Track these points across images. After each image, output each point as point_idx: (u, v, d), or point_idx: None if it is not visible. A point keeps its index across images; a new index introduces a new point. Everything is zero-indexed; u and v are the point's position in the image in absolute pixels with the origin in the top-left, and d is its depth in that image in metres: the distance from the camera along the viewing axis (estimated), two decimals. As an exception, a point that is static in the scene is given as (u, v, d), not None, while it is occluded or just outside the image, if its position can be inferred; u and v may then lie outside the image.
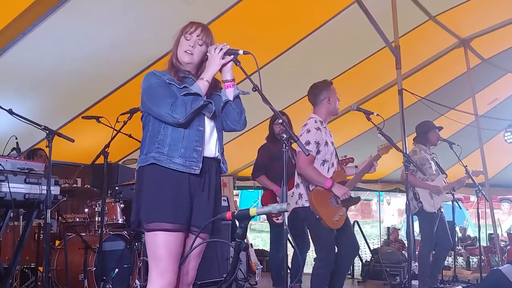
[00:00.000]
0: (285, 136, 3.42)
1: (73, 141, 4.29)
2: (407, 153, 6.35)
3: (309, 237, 6.60)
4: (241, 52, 3.39)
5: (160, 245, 2.96)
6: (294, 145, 5.55)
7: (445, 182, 6.96)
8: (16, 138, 4.66)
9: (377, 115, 4.92)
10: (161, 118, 3.04)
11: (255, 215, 1.96)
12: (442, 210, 6.90)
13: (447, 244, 6.96)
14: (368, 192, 15.41)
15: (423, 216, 6.81)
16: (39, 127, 4.23)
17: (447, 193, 6.97)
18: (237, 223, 2.48)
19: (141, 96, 3.14)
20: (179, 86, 3.14)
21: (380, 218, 16.04)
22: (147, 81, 3.15)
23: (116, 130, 5.26)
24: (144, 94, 3.12)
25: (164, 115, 3.01)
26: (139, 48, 5.91)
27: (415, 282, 6.88)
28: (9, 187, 3.78)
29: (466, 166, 7.33)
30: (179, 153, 3.04)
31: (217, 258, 6.83)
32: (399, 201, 20.25)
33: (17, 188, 3.92)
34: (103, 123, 5.54)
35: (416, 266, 7.36)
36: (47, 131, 4.16)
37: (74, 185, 7.70)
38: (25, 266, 5.91)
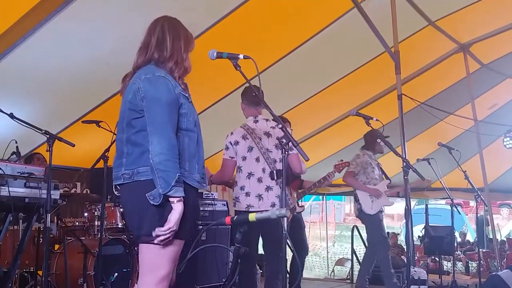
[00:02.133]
0: (284, 141, 3.43)
1: (73, 145, 4.31)
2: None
3: (308, 242, 6.67)
4: (241, 56, 3.42)
5: (168, 254, 2.94)
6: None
7: (387, 188, 7.15)
8: (16, 142, 4.67)
9: (377, 120, 4.94)
10: (152, 142, 2.89)
11: (254, 221, 1.97)
12: (383, 214, 7.13)
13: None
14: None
15: (365, 218, 7.10)
16: (39, 132, 4.24)
17: (445, 198, 7.05)
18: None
19: (142, 98, 2.95)
20: (188, 99, 3.12)
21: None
22: (157, 90, 2.98)
23: (115, 134, 5.26)
24: (149, 102, 2.94)
25: (161, 145, 2.86)
26: (134, 53, 5.91)
27: (414, 287, 6.89)
28: (9, 191, 3.78)
29: (465, 171, 7.33)
30: (197, 169, 3.03)
31: (216, 262, 6.82)
32: (398, 206, 20.24)
33: (17, 192, 3.93)
34: (103, 128, 5.55)
35: (415, 271, 7.37)
36: (48, 136, 4.17)
37: (74, 189, 7.71)
38: (24, 270, 5.90)
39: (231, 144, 4.94)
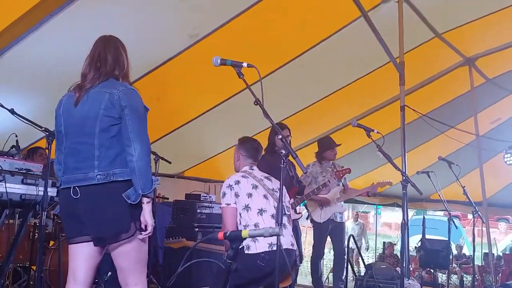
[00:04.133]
0: (283, 152, 3.40)
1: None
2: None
3: (303, 248, 6.69)
4: (245, 65, 3.42)
5: (146, 248, 3.33)
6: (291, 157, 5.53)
7: (340, 194, 7.25)
8: (16, 136, 4.67)
9: (377, 132, 4.92)
10: (135, 147, 3.19)
11: (247, 237, 1.96)
12: (338, 219, 7.31)
13: (339, 251, 7.46)
14: (365, 205, 15.43)
15: (313, 226, 7.38)
16: (39, 129, 4.22)
17: (443, 210, 7.08)
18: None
19: (124, 107, 3.22)
20: None
21: (376, 231, 16.05)
22: (135, 101, 3.33)
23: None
24: (130, 111, 3.23)
25: (143, 150, 3.20)
26: (141, 51, 5.90)
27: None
28: (5, 187, 3.78)
29: (464, 186, 7.32)
30: None
31: (211, 266, 6.80)
32: (396, 215, 20.27)
33: (14, 188, 3.92)
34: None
35: (409, 284, 7.36)
36: (47, 133, 4.16)
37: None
38: (18, 264, 5.91)
39: (230, 185, 4.62)
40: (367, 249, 16.52)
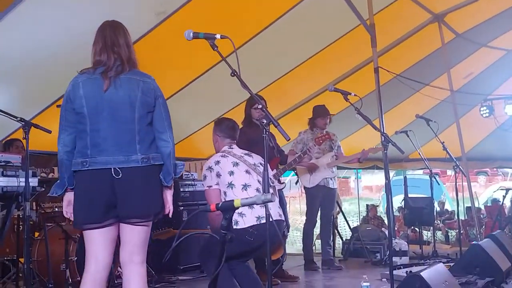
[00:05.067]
0: (265, 121, 3.39)
1: (50, 132, 4.24)
2: None
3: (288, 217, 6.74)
4: (218, 36, 3.39)
5: None
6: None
7: (330, 160, 7.28)
8: (-10, 129, 4.59)
9: (355, 95, 4.91)
10: (169, 135, 3.48)
11: (240, 206, 1.95)
12: (330, 185, 7.31)
13: (327, 217, 7.49)
14: (346, 170, 15.55)
15: (305, 192, 7.42)
16: (15, 119, 4.16)
17: (423, 169, 7.14)
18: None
19: (158, 96, 3.47)
20: None
21: (358, 195, 16.19)
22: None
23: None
24: (163, 101, 3.51)
25: (170, 140, 3.46)
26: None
27: (396, 259, 6.98)
28: (-14, 181, 3.72)
29: (443, 142, 7.40)
30: None
31: (199, 242, 6.82)
32: (376, 177, 20.47)
33: (-6, 181, 3.86)
34: (78, 111, 5.47)
35: (396, 243, 7.46)
36: (23, 123, 4.09)
37: (51, 174, 7.62)
38: (5, 258, 5.86)
39: (210, 167, 4.65)
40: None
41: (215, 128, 5.03)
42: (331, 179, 7.29)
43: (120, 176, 3.28)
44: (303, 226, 7.49)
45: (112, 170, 3.28)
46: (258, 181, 4.62)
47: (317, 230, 7.80)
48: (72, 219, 3.38)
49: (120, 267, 6.23)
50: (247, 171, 4.66)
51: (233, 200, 1.96)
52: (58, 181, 3.38)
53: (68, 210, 3.40)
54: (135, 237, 3.39)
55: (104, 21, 3.56)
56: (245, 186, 4.57)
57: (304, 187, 7.34)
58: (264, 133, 3.37)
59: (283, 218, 4.78)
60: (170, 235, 5.66)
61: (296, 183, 7.40)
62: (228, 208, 1.98)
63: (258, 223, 4.37)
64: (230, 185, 4.57)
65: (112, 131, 3.33)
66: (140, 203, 3.34)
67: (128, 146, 3.34)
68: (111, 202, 3.29)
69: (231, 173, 4.61)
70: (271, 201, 1.92)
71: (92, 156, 3.28)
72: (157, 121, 3.46)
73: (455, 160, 7.64)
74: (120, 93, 3.36)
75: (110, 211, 3.30)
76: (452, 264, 6.27)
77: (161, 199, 3.44)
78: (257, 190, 4.56)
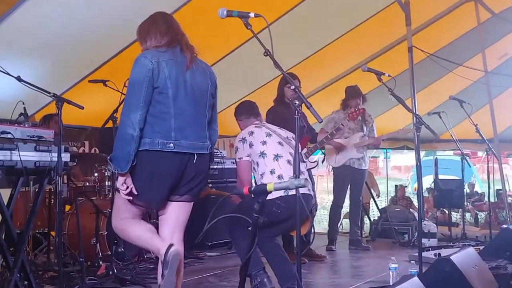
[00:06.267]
0: (297, 102, 3.35)
1: (82, 108, 4.25)
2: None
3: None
4: (252, 15, 3.35)
5: None
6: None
7: (358, 140, 7.19)
8: (24, 104, 4.62)
9: (388, 75, 4.83)
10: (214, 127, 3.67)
11: (272, 191, 1.94)
12: (357, 166, 7.24)
13: (356, 198, 7.47)
14: (375, 149, 15.42)
15: (333, 171, 7.38)
16: (48, 95, 4.17)
17: (453, 150, 7.05)
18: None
19: (216, 88, 3.63)
20: None
21: (387, 175, 16.06)
22: None
23: (123, 94, 5.20)
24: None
25: (217, 129, 3.71)
26: (145, 8, 5.81)
27: (424, 241, 6.91)
28: (19, 156, 3.74)
29: (476, 124, 7.27)
30: None
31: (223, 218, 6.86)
32: (405, 157, 20.23)
33: (28, 156, 3.87)
34: (109, 87, 5.49)
35: (425, 224, 7.40)
36: (56, 99, 4.11)
37: (82, 148, 7.70)
38: (37, 231, 5.96)
39: (243, 138, 4.73)
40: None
41: (236, 115, 5.12)
42: (358, 159, 7.22)
43: (195, 162, 3.40)
44: (330, 207, 7.47)
45: (195, 155, 3.40)
46: (290, 153, 4.66)
47: (345, 210, 7.78)
48: (127, 196, 3.34)
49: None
50: (279, 143, 4.71)
51: (266, 184, 1.95)
52: (116, 156, 3.28)
53: (124, 188, 3.31)
54: (182, 215, 3.53)
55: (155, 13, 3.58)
56: (276, 157, 4.61)
57: (332, 167, 7.30)
58: (296, 114, 3.34)
59: (311, 193, 4.78)
60: (206, 193, 5.99)
61: (323, 161, 7.35)
62: (261, 192, 1.97)
63: (286, 194, 4.39)
64: (262, 154, 4.63)
65: (195, 116, 3.43)
66: (200, 185, 3.52)
67: (203, 133, 3.50)
68: (175, 184, 3.39)
69: (264, 142, 4.66)
70: (304, 187, 1.90)
71: (177, 139, 3.31)
72: (213, 111, 3.62)
73: (487, 142, 7.51)
74: (197, 79, 3.46)
75: (169, 194, 3.43)
76: (481, 247, 6.20)
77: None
78: (288, 162, 4.61)
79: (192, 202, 3.56)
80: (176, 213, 3.49)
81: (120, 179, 3.30)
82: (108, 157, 3.34)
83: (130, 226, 3.43)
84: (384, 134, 7.41)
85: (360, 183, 7.41)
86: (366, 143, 7.22)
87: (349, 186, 7.33)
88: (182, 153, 3.33)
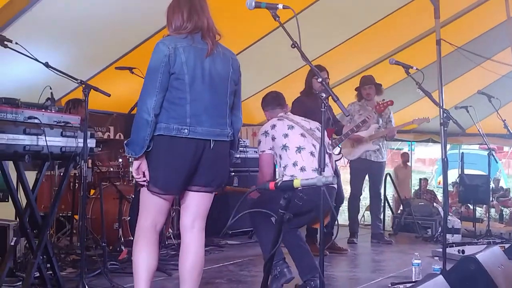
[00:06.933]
0: (324, 95, 3.33)
1: (109, 95, 4.26)
2: None
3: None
4: (280, 6, 3.32)
5: None
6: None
7: (374, 132, 7.03)
8: (51, 88, 4.64)
9: (416, 69, 4.78)
10: (238, 114, 3.63)
11: (299, 187, 1.92)
12: (373, 158, 7.19)
13: (375, 191, 7.47)
14: (400, 142, 15.32)
15: (349, 164, 7.33)
16: (75, 81, 4.19)
17: (479, 144, 6.96)
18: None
19: (240, 75, 3.57)
20: None
21: (411, 168, 15.95)
22: None
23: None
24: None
25: (241, 116, 3.66)
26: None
27: (448, 236, 6.84)
28: (46, 141, 3.77)
29: (505, 120, 7.18)
30: None
31: (246, 209, 6.87)
32: (430, 150, 20.09)
33: (54, 141, 3.90)
34: (136, 74, 5.51)
35: (449, 220, 7.32)
36: (84, 85, 4.13)
37: (107, 133, 7.75)
38: (61, 214, 6.02)
39: (266, 132, 4.71)
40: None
41: (262, 106, 5.09)
42: (374, 152, 7.15)
43: (211, 148, 3.36)
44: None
45: (212, 142, 3.35)
46: (313, 145, 4.64)
47: (366, 202, 7.73)
48: (141, 182, 3.34)
49: (171, 229, 6.36)
50: (302, 134, 4.68)
51: (292, 181, 1.93)
52: (132, 141, 3.28)
53: (139, 172, 3.31)
54: (203, 204, 3.49)
55: None
56: (299, 149, 4.59)
57: (349, 160, 7.24)
58: (323, 107, 3.31)
59: (335, 185, 4.74)
60: (227, 190, 5.82)
61: (338, 154, 7.28)
62: (287, 188, 1.95)
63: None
64: (284, 147, 4.61)
65: (213, 102, 3.37)
66: (219, 173, 3.46)
67: (223, 120, 3.44)
68: (192, 171, 3.34)
69: (286, 135, 4.64)
70: (332, 184, 1.88)
71: (192, 125, 3.27)
72: (236, 97, 3.56)
73: (514, 136, 7.41)
74: (218, 66, 3.40)
75: (187, 181, 3.36)
76: (506, 245, 6.13)
77: (229, 170, 3.64)
78: (311, 153, 4.60)
79: (213, 193, 3.52)
80: (196, 201, 3.46)
81: (135, 164, 3.30)
82: (125, 142, 3.34)
83: (142, 249, 3.36)
84: (399, 124, 7.34)
85: (378, 175, 7.36)
86: (381, 134, 7.14)
87: (368, 179, 7.28)
88: (197, 139, 3.30)
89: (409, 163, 12.57)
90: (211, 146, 3.34)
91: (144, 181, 3.32)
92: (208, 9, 3.44)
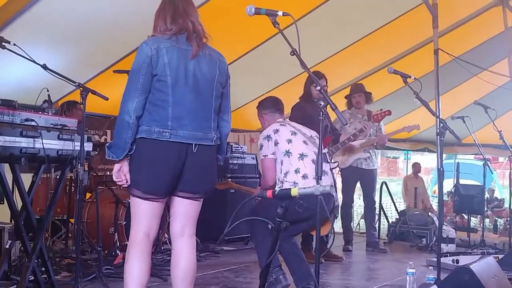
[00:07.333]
0: (322, 103, 3.33)
1: (107, 99, 4.27)
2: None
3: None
4: (280, 13, 3.34)
5: None
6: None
7: (365, 140, 7.11)
8: (48, 91, 4.64)
9: (414, 78, 4.80)
10: (229, 116, 3.60)
11: (297, 196, 1.92)
12: (364, 166, 7.24)
13: (368, 199, 7.47)
14: (395, 150, 15.33)
15: (340, 172, 7.27)
16: (73, 84, 4.20)
17: (474, 154, 7.01)
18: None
19: (228, 77, 3.55)
20: None
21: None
22: None
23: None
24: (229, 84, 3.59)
25: (229, 120, 3.61)
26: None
27: (442, 246, 6.85)
28: (42, 144, 3.76)
29: (501, 131, 7.21)
30: None
31: (244, 215, 6.87)
32: (426, 159, 20.09)
33: (51, 144, 3.89)
34: (134, 78, 5.50)
35: (443, 229, 7.33)
36: (81, 88, 4.13)
37: (104, 137, 7.74)
38: (56, 217, 6.01)
39: (268, 136, 4.72)
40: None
41: (259, 109, 5.11)
42: (365, 160, 7.20)
43: (195, 152, 3.30)
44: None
45: (193, 146, 3.29)
46: (314, 152, 4.65)
47: (360, 209, 7.74)
48: (123, 184, 3.33)
49: (167, 234, 6.35)
50: (304, 142, 4.71)
51: (290, 189, 1.93)
52: (114, 144, 3.26)
53: (119, 175, 3.29)
54: (191, 211, 3.45)
55: None
56: (302, 156, 4.61)
57: (340, 168, 7.21)
58: (321, 115, 3.32)
59: (333, 193, 4.75)
60: (227, 186, 6.23)
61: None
62: (285, 196, 1.95)
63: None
64: (287, 153, 4.62)
65: (196, 105, 3.32)
66: (206, 179, 3.41)
67: (206, 123, 3.37)
68: (176, 176, 3.28)
69: (289, 141, 4.66)
70: (329, 193, 1.89)
71: (173, 128, 3.22)
72: (223, 101, 3.51)
73: (510, 148, 7.44)
74: (203, 68, 3.35)
75: (172, 185, 3.30)
76: (500, 255, 6.14)
77: (216, 176, 3.61)
78: (313, 161, 4.60)
79: (202, 199, 3.48)
80: (185, 208, 3.42)
81: (116, 167, 3.29)
82: (106, 145, 3.31)
83: (135, 262, 3.28)
84: (389, 132, 7.38)
85: (371, 183, 7.39)
86: (371, 142, 7.16)
87: (360, 188, 7.32)
88: (179, 143, 3.25)
89: (420, 174, 12.52)
90: (194, 150, 3.29)
91: (125, 183, 3.31)
92: (194, 12, 3.41)
